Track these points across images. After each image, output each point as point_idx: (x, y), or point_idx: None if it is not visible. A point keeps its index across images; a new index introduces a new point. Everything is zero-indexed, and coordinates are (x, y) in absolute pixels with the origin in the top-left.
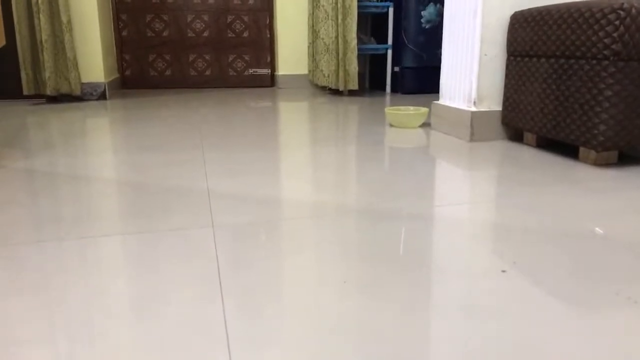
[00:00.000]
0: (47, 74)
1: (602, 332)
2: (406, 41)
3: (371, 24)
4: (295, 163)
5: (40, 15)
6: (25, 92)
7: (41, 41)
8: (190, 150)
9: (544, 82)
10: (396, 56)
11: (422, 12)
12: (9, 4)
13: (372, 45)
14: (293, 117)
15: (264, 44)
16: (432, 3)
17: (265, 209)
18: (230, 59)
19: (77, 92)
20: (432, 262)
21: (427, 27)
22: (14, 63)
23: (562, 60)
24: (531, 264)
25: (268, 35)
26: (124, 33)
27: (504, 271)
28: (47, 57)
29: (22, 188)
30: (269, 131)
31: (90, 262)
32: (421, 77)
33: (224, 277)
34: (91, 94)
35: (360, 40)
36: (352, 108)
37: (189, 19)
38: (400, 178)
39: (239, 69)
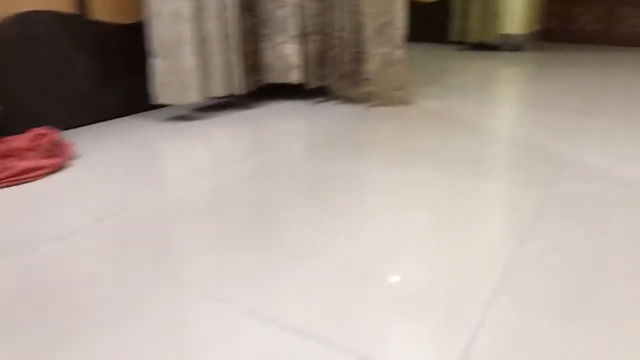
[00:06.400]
0: (473, 23)
1: None
2: None
3: None
4: None
5: None
6: (450, 39)
7: None
8: (587, 119)
9: None
10: None
11: None
12: None
13: None
14: None
15: None
16: None
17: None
18: None
19: (496, 42)
20: None
21: None
22: (446, 12)
23: None
24: None
25: None
26: None
27: None
28: (474, 8)
29: (418, 125)
30: None
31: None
32: None
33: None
34: (509, 45)
35: None
36: None
37: None
38: None
39: None
